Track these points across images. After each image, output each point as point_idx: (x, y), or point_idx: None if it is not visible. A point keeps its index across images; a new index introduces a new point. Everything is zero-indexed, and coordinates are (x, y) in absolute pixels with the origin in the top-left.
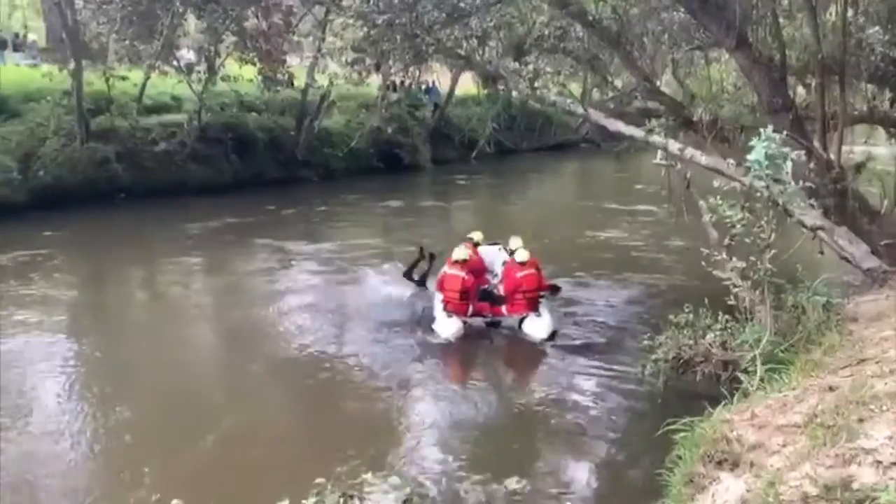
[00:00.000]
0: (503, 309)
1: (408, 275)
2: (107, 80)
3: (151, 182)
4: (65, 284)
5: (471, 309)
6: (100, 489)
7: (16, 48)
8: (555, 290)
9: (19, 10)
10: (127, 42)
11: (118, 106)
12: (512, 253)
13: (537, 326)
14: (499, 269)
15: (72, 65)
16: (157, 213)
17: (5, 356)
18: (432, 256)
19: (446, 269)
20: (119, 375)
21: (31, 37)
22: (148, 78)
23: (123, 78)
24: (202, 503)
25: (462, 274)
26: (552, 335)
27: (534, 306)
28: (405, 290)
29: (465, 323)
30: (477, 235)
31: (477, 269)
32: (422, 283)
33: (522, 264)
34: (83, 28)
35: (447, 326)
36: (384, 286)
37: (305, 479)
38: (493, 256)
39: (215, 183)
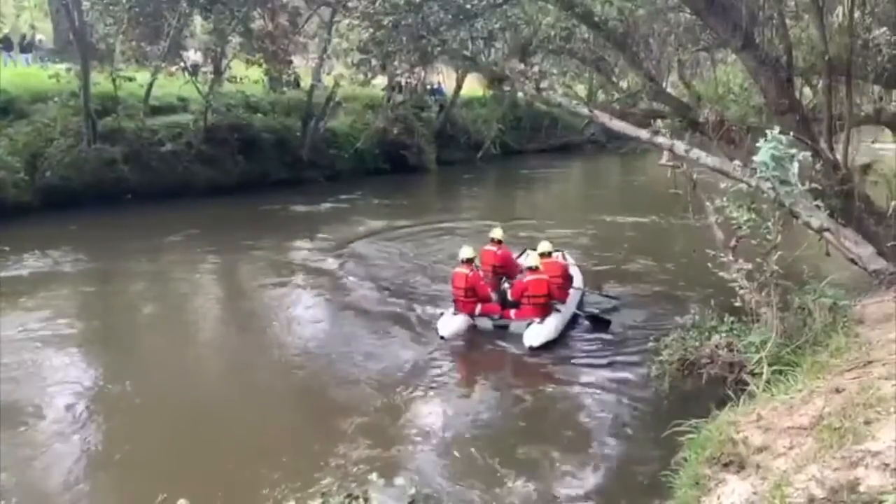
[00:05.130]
0: (511, 313)
1: None
2: (113, 81)
3: (158, 183)
4: (70, 282)
5: (479, 308)
6: (105, 488)
7: (23, 49)
8: (600, 321)
9: (26, 10)
10: (134, 43)
11: (125, 107)
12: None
13: (531, 333)
14: None
15: (79, 66)
16: (163, 213)
17: (14, 355)
18: None
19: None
20: (124, 376)
21: (39, 37)
22: (154, 79)
23: (130, 79)
24: None
25: (466, 271)
26: (542, 346)
27: (540, 312)
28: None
29: (472, 323)
30: (497, 233)
31: (504, 266)
32: None
33: (533, 269)
34: (90, 29)
35: (447, 325)
36: (390, 287)
37: (311, 481)
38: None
39: (221, 183)
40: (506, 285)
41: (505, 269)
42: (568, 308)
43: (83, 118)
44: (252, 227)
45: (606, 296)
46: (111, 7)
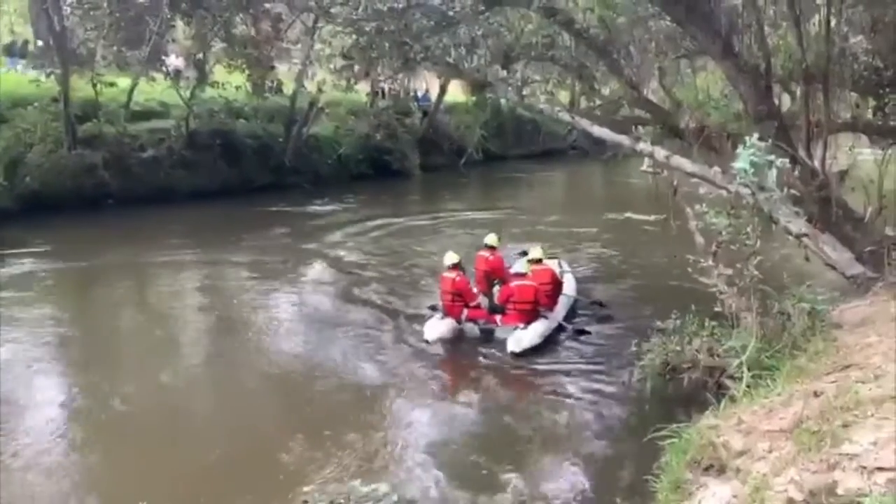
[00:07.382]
0: (497, 318)
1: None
2: (94, 86)
3: (139, 188)
4: (49, 287)
5: (465, 313)
6: (88, 496)
7: (13, 54)
8: (582, 332)
9: (6, 15)
10: (115, 48)
11: (106, 112)
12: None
13: (514, 339)
14: None
15: (59, 70)
16: (144, 218)
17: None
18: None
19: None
20: (103, 382)
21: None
22: (136, 84)
23: (111, 84)
24: None
25: (452, 275)
26: (524, 352)
27: (526, 318)
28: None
29: (458, 328)
30: (491, 239)
31: (496, 272)
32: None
33: (520, 275)
34: (71, 34)
35: (432, 329)
36: (375, 291)
37: (293, 487)
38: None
39: (204, 189)
40: (497, 290)
41: (497, 275)
42: (555, 315)
43: (63, 123)
44: (234, 233)
45: (597, 303)
46: (92, 12)
